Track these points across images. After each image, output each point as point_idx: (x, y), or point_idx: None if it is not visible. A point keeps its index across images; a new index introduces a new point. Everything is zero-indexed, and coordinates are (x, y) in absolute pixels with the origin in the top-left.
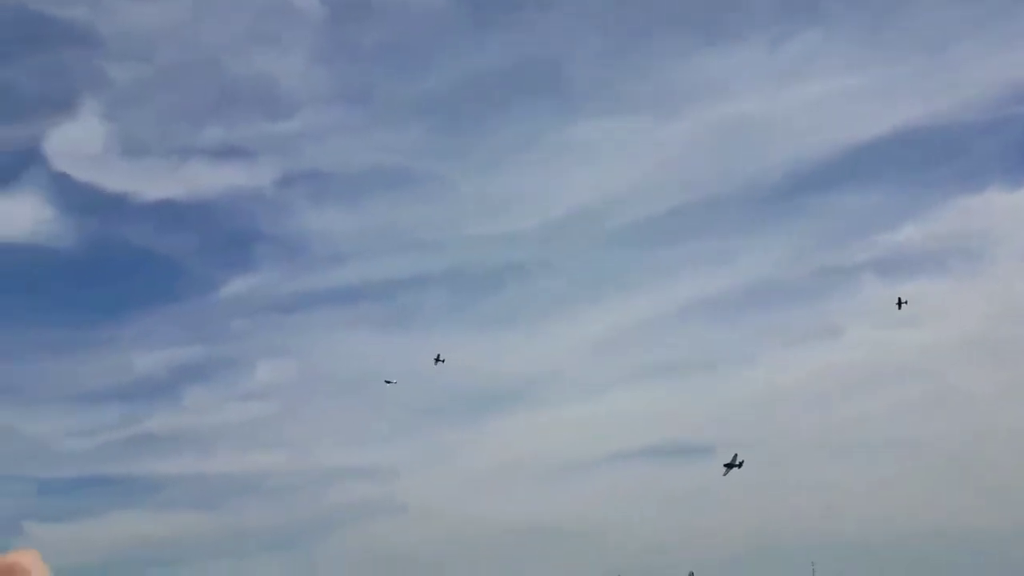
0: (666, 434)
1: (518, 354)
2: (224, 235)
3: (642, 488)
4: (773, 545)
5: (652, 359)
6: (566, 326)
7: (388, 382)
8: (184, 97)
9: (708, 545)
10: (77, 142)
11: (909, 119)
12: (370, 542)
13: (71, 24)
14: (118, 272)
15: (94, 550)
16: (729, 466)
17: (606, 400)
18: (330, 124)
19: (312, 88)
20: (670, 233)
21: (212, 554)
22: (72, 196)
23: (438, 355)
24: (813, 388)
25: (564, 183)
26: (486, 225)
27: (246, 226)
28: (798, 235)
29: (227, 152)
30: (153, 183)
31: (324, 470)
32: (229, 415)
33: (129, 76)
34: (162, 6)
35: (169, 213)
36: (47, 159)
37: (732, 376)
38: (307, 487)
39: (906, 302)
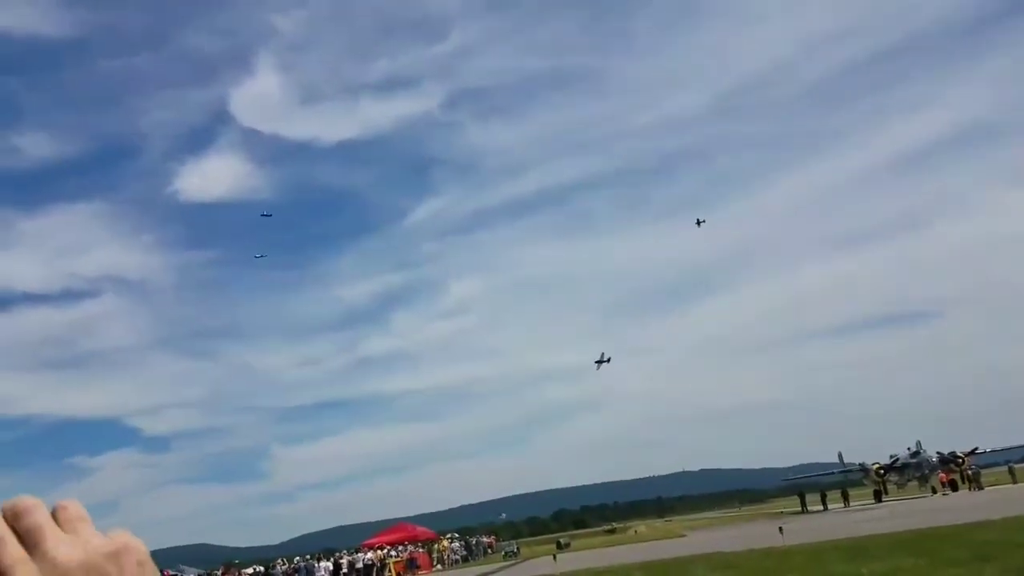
0: (873, 302)
1: (701, 239)
2: (403, 164)
3: (851, 360)
4: (998, 397)
5: (854, 224)
6: (751, 202)
7: (264, 215)
8: (344, 36)
9: (928, 410)
10: (259, 97)
11: None
12: (578, 434)
13: None
14: (315, 214)
15: (333, 466)
16: (599, 362)
17: (804, 274)
18: (483, 36)
19: (460, 2)
20: (858, 84)
21: (438, 458)
22: (262, 149)
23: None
24: None
25: (729, 50)
26: (652, 111)
27: (421, 152)
28: (1006, 64)
29: (393, 84)
30: (331, 126)
31: (527, 373)
32: (434, 333)
33: (293, 24)
34: None
35: (350, 152)
36: (235, 117)
37: (947, 230)
38: (514, 390)
39: (704, 221)
